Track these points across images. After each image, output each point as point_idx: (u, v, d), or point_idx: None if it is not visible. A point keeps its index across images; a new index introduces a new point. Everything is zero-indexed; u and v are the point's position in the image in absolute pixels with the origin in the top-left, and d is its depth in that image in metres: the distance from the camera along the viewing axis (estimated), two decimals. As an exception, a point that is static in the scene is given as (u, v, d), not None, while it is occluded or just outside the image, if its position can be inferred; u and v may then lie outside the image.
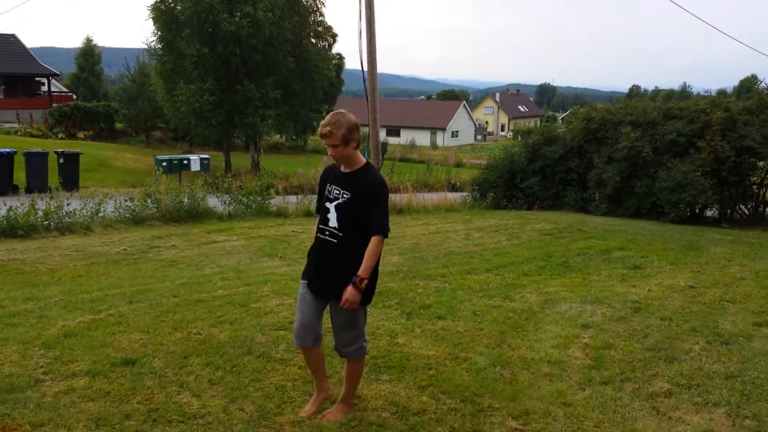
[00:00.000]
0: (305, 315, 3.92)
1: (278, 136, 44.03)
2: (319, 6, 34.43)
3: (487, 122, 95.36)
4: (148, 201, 12.45)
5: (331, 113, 3.84)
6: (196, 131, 30.40)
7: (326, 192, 3.92)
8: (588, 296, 6.84)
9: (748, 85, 63.62)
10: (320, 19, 35.21)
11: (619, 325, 5.87)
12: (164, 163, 22.51)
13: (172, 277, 7.61)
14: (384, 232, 3.76)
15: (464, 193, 19.79)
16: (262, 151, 34.52)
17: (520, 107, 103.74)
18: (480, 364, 4.83)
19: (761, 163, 16.41)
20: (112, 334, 5.33)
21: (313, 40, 34.75)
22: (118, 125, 41.34)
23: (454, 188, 22.33)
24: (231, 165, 30.08)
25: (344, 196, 3.81)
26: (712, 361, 4.97)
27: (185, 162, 24.96)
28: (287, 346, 5.11)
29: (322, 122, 3.80)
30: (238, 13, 27.37)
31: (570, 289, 7.16)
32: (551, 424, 3.90)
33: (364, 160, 3.93)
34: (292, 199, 15.25)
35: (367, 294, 3.79)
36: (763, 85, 19.88)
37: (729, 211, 16.77)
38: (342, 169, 3.90)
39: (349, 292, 3.65)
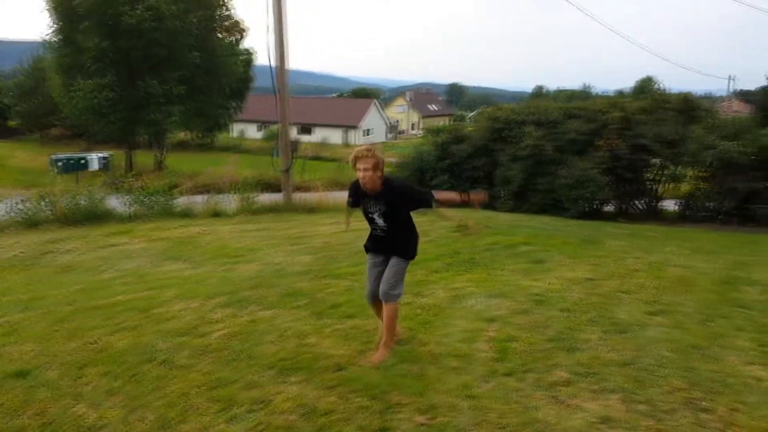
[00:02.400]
0: (372, 284, 5.01)
1: (184, 133, 42.77)
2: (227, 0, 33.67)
3: (399, 120, 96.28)
4: (43, 203, 11.77)
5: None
6: (95, 129, 29.10)
7: (365, 206, 4.88)
8: (494, 291, 7.02)
9: (645, 86, 67.25)
10: (228, 12, 34.46)
11: (522, 317, 6.06)
12: (60, 163, 21.42)
13: (68, 283, 7.24)
14: (430, 203, 4.86)
15: (376, 191, 19.90)
16: (166, 149, 33.44)
17: (431, 106, 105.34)
18: (389, 362, 4.86)
19: (655, 160, 17.42)
20: (3, 345, 5.03)
21: (221, 35, 33.97)
22: (11, 123, 38.95)
23: (366, 186, 22.39)
24: (133, 164, 28.99)
25: (381, 208, 4.78)
26: (608, 349, 5.21)
27: (83, 161, 23.84)
28: (191, 352, 4.96)
29: (360, 147, 4.70)
30: (140, 6, 26.36)
31: (477, 285, 7.33)
32: (457, 416, 3.98)
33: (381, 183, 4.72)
34: (199, 199, 14.84)
35: (411, 252, 4.96)
36: (657, 86, 21.08)
37: (625, 206, 17.73)
38: (369, 191, 4.74)
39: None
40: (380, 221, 4.86)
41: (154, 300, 6.43)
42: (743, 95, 63.40)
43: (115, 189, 14.63)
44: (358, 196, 4.90)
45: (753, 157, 15.10)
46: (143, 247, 9.64)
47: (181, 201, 14.06)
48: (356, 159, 4.66)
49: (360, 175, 4.65)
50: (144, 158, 32.54)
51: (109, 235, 10.59)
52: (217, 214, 13.47)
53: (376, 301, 5.05)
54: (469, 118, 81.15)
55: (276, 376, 4.55)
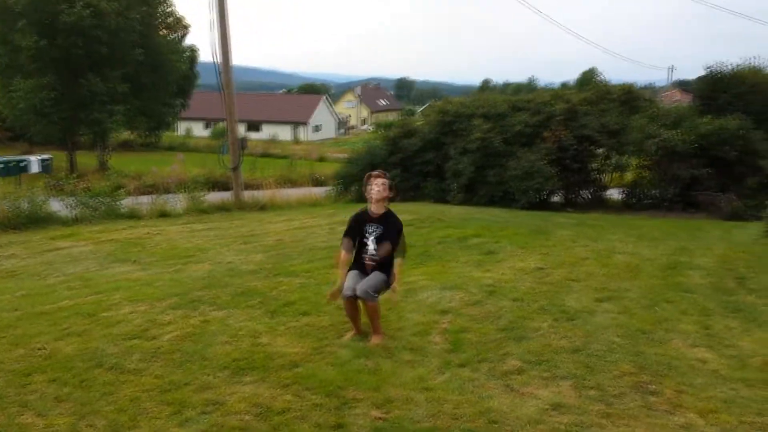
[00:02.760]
0: (351, 281, 5.20)
1: (129, 132, 41.74)
2: (169, -5, 32.98)
3: (349, 116, 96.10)
4: (-19, 208, 11.32)
5: None
6: (36, 129, 28.14)
7: (365, 230, 5.31)
8: (447, 283, 7.08)
9: (589, 77, 68.77)
10: (170, 9, 33.78)
11: (475, 308, 6.13)
12: (-1, 166, 20.64)
13: (12, 289, 6.98)
14: (404, 255, 5.45)
15: (328, 188, 19.83)
16: (110, 149, 32.61)
17: (380, 101, 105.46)
18: (344, 357, 4.85)
19: (600, 151, 17.84)
20: (-59, 356, 4.81)
21: (164, 32, 33.28)
22: (-55, 126, 37.33)
23: (317, 183, 22.33)
24: (76, 165, 28.19)
25: (377, 231, 5.26)
26: (559, 337, 5.31)
27: (23, 164, 23.03)
28: (141, 356, 4.86)
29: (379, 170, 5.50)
30: (80, 3, 25.58)
31: (430, 277, 7.38)
32: (413, 409, 3.99)
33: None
34: (145, 199, 14.50)
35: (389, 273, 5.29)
36: (600, 78, 21.56)
37: (573, 196, 18.11)
38: (373, 210, 5.32)
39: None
40: (371, 246, 5.26)
41: (102, 304, 6.26)
42: (683, 85, 65.49)
43: (57, 191, 14.14)
44: (360, 223, 5.35)
45: (694, 145, 15.61)
46: (89, 250, 9.37)
47: (127, 202, 13.72)
48: (374, 177, 5.37)
49: (375, 189, 5.29)
50: (87, 159, 31.61)
51: (53, 239, 10.26)
52: (164, 215, 13.20)
53: (352, 297, 5.17)
54: (419, 112, 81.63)
55: (229, 377, 4.49)
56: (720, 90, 20.37)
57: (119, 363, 4.72)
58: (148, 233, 10.78)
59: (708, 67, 21.64)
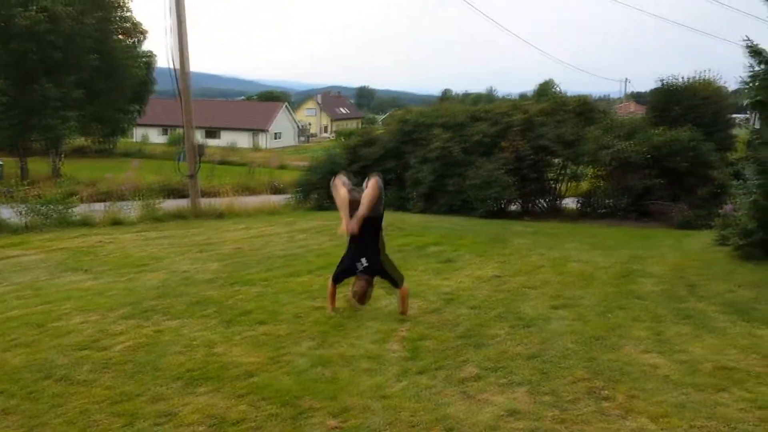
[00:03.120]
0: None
1: (83, 139, 40.85)
2: (125, 1, 32.47)
3: (309, 124, 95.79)
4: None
5: None
6: (-15, 135, 27.33)
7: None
8: (405, 291, 7.07)
9: (546, 89, 70.10)
10: (127, 14, 33.30)
11: (433, 316, 6.15)
12: (-54, 172, 19.94)
13: (-45, 300, 6.73)
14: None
15: (287, 196, 19.70)
16: (63, 155, 31.86)
17: (341, 109, 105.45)
18: (301, 366, 4.81)
19: (556, 161, 18.14)
20: None
21: (120, 37, 32.77)
22: None
23: (276, 191, 22.18)
24: (28, 171, 27.43)
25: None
26: (515, 344, 5.36)
27: (-29, 170, 22.31)
28: (92, 367, 4.73)
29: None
30: (34, 7, 25.02)
31: (389, 286, 7.36)
32: (370, 418, 3.97)
33: None
34: (99, 206, 14.19)
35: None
36: (556, 89, 21.94)
37: (530, 205, 18.37)
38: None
39: None
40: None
41: (52, 313, 6.08)
42: (637, 97, 67.22)
43: (8, 199, 13.72)
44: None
45: (646, 156, 15.99)
46: (40, 259, 9.11)
47: (80, 209, 13.40)
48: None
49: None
50: (39, 166, 30.75)
51: (2, 247, 9.95)
52: (118, 223, 12.92)
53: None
54: (380, 121, 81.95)
55: (183, 388, 4.40)
56: (672, 102, 20.91)
57: (69, 374, 4.59)
58: (101, 242, 10.54)
59: (661, 80, 22.23)
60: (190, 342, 5.32)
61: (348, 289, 6.21)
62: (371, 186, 5.95)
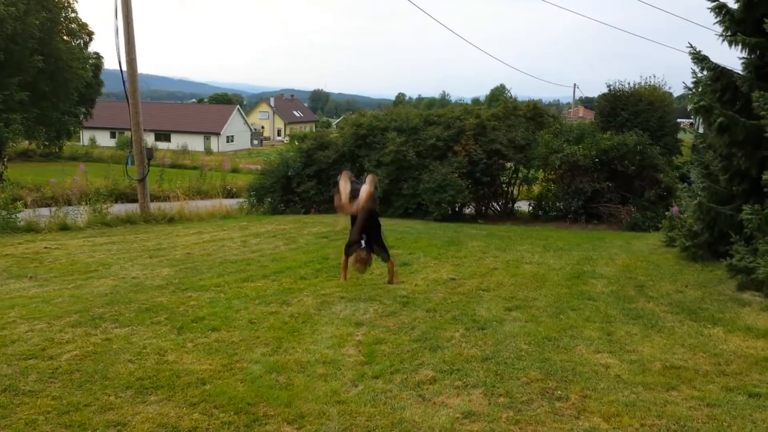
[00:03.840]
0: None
1: (28, 142, 39.55)
2: (72, 2, 31.62)
3: (263, 127, 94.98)
4: None
5: None
6: None
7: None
8: (361, 295, 7.07)
9: (498, 94, 71.14)
10: (73, 15, 32.42)
11: (390, 320, 6.14)
12: None
13: None
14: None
15: (241, 200, 19.45)
16: (7, 159, 30.81)
17: (295, 112, 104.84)
18: (255, 373, 4.73)
19: (509, 165, 18.40)
20: None
21: (66, 38, 31.87)
22: None
23: (230, 194, 21.86)
24: (-31, 176, 26.33)
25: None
26: (470, 346, 5.39)
27: None
28: (38, 376, 4.56)
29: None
30: (-27, 5, 24.13)
31: (345, 290, 7.35)
32: (326, 423, 3.93)
33: None
34: (45, 212, 13.75)
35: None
36: (509, 94, 22.27)
37: (484, 208, 18.58)
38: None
39: None
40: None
41: (-7, 323, 5.85)
42: (586, 102, 68.79)
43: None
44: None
45: (595, 160, 16.35)
46: (-20, 266, 8.76)
47: (25, 215, 12.96)
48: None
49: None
50: (-20, 169, 29.70)
51: (-62, 255, 9.54)
52: (65, 228, 12.55)
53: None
54: (335, 124, 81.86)
55: (133, 397, 4.29)
56: (619, 107, 21.47)
57: (14, 384, 4.41)
58: (47, 248, 10.21)
59: (608, 85, 22.79)
60: (141, 350, 5.18)
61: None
62: (369, 182, 7.36)
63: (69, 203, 15.15)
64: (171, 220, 14.33)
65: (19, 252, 9.87)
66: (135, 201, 15.84)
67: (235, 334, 5.65)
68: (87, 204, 13.91)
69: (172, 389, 4.42)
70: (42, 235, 11.91)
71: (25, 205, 14.19)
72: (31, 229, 12.32)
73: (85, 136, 65.31)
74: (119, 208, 14.66)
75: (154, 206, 14.98)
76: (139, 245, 10.63)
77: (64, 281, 7.78)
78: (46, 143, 39.72)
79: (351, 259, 7.24)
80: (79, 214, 13.53)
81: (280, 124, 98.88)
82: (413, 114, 19.09)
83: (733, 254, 7.56)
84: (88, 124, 53.76)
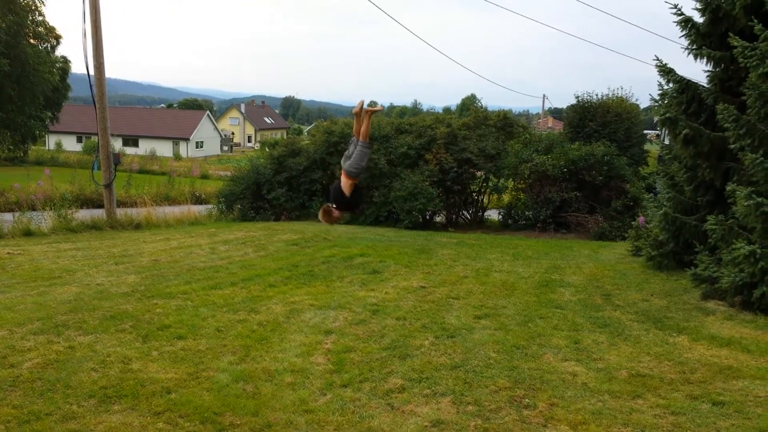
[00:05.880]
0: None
1: (-8, 146, 38.70)
2: (39, 5, 31.08)
3: (233, 133, 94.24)
4: None
5: None
6: None
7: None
8: (331, 303, 7.03)
9: (469, 103, 71.70)
10: (40, 18, 31.86)
11: (359, 328, 6.11)
12: None
13: None
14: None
15: (210, 206, 19.22)
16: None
17: (266, 119, 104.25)
18: (222, 382, 4.67)
19: (479, 173, 18.51)
20: None
21: (33, 41, 31.30)
22: None
23: (198, 201, 21.61)
24: (-71, 180, 25.62)
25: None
26: (439, 354, 5.40)
27: None
28: (-4, 386, 4.44)
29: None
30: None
31: (315, 297, 7.30)
32: (293, 433, 3.90)
33: None
34: (8, 217, 13.44)
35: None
36: (479, 104, 22.42)
37: (454, 216, 18.65)
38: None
39: None
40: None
41: (-50, 331, 5.68)
42: (555, 113, 69.68)
43: None
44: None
45: (564, 170, 16.55)
46: (-63, 272, 8.51)
47: (-14, 220, 12.64)
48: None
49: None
50: (-59, 173, 28.95)
51: None
52: (29, 234, 12.26)
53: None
54: (307, 131, 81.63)
55: (96, 406, 4.20)
56: (588, 118, 21.77)
57: (-30, 395, 4.29)
58: (10, 253, 9.96)
59: (576, 97, 23.11)
60: (105, 358, 5.08)
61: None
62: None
63: (33, 208, 14.83)
64: (138, 226, 14.10)
65: (-20, 258, 9.61)
66: (101, 207, 15.55)
67: (201, 343, 5.58)
68: (52, 209, 13.61)
69: (137, 398, 4.33)
70: (5, 240, 11.62)
71: (-13, 210, 13.84)
72: (-7, 234, 12.01)
73: (51, 141, 64.07)
74: (85, 214, 14.38)
75: (120, 212, 14.72)
76: (104, 251, 10.44)
77: (27, 288, 7.60)
78: (11, 147, 38.89)
79: (321, 209, 6.65)
80: (44, 219, 13.24)
81: (250, 130, 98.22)
82: (385, 122, 19.11)
83: (698, 264, 7.70)
84: (55, 128, 52.78)
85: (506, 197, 19.34)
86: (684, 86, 8.70)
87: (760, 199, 6.59)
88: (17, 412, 4.06)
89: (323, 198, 6.93)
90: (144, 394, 4.40)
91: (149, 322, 6.16)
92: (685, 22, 8.67)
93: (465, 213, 18.99)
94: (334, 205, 6.32)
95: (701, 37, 8.54)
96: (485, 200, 19.29)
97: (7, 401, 4.22)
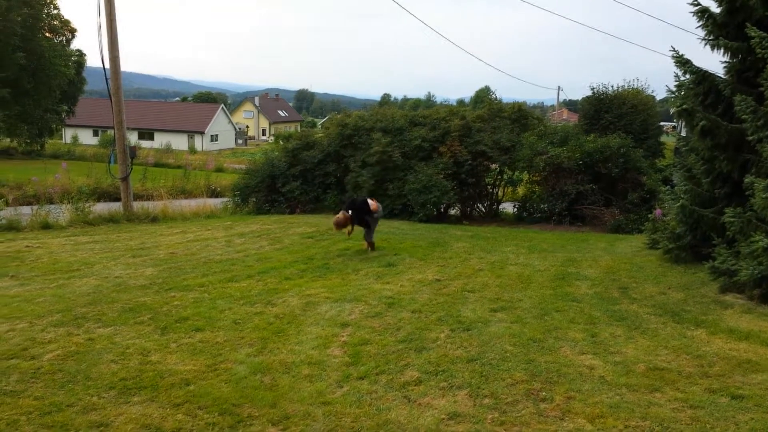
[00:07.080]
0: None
1: (9, 140, 39.08)
2: (54, -2, 31.29)
3: (247, 126, 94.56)
4: None
5: None
6: None
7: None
8: (347, 295, 7.05)
9: (483, 95, 71.33)
10: (55, 12, 32.08)
11: (375, 320, 6.13)
12: None
13: None
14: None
15: (225, 199, 19.32)
16: (-12, 156, 30.43)
17: (280, 112, 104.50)
18: (240, 374, 4.71)
19: (493, 166, 18.44)
20: None
21: (49, 35, 31.53)
22: None
23: (214, 194, 21.73)
24: (-52, 173, 25.95)
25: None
26: (455, 347, 5.40)
27: None
28: (20, 377, 4.51)
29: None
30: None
31: (330, 290, 7.33)
32: (311, 425, 3.92)
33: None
34: (26, 210, 13.59)
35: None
36: (494, 96, 22.27)
37: (469, 209, 18.60)
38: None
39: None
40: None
41: (-28, 323, 5.76)
42: (570, 105, 69.28)
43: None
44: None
45: (579, 162, 16.44)
46: (-41, 265, 8.63)
47: (6, 213, 12.79)
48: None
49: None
50: (-40, 166, 29.30)
51: None
52: (47, 227, 12.40)
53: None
54: (320, 124, 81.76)
55: (116, 397, 4.25)
56: (603, 110, 21.61)
57: (-7, 386, 4.36)
58: (29, 246, 10.09)
59: (592, 88, 22.94)
60: (124, 350, 5.14)
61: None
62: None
63: (51, 202, 14.98)
64: (154, 219, 14.21)
65: (0, 251, 9.74)
66: (118, 200, 15.69)
67: (219, 335, 5.62)
68: (69, 202, 13.76)
69: (156, 390, 4.38)
70: (23, 233, 11.76)
71: (7, 204, 14.02)
72: (12, 227, 12.17)
73: (68, 134, 64.68)
74: (102, 207, 14.52)
75: (137, 205, 14.85)
76: (122, 244, 10.54)
77: (46, 280, 7.70)
78: (28, 141, 39.27)
79: (335, 217, 8.70)
80: (61, 212, 13.38)
81: (264, 123, 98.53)
82: (399, 115, 19.07)
83: (716, 257, 7.63)
84: (71, 121, 53.28)
85: (521, 190, 19.25)
86: (701, 77, 8.60)
87: (779, 192, 6.51)
88: (39, 403, 4.12)
89: (345, 207, 9.67)
90: (163, 385, 4.45)
91: (167, 314, 6.22)
92: (702, 12, 8.57)
93: (479, 206, 18.93)
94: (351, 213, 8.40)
95: (718, 28, 8.44)
96: (500, 193, 19.21)
97: (29, 393, 4.28)
